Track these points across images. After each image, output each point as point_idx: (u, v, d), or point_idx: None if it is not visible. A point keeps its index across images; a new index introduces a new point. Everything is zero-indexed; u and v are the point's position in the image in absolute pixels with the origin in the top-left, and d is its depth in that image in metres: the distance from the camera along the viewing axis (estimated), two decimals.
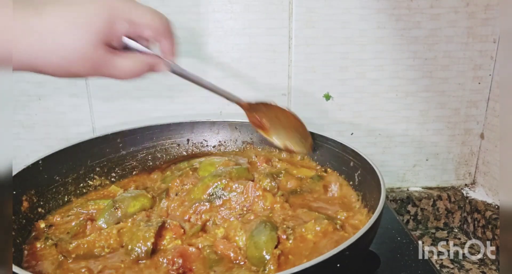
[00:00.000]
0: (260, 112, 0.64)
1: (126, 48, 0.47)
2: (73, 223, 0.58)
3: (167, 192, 0.64)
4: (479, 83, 0.89)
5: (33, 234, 0.56)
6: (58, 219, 0.59)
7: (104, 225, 0.56)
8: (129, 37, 0.46)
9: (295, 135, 0.66)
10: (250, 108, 0.62)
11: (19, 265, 0.48)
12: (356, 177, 0.64)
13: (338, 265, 0.40)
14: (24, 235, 0.54)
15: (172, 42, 0.50)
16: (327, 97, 0.88)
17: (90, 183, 0.69)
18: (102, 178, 0.71)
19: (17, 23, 0.38)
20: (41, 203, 0.60)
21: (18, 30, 0.39)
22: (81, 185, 0.67)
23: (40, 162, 0.60)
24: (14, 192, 0.54)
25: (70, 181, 0.66)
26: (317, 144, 0.73)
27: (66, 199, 0.64)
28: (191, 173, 0.67)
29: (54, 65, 0.41)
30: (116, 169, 0.73)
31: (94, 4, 0.42)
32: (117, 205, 0.59)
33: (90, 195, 0.68)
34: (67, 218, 0.60)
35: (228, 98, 0.59)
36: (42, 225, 0.57)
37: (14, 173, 0.55)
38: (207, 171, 0.67)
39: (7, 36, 0.38)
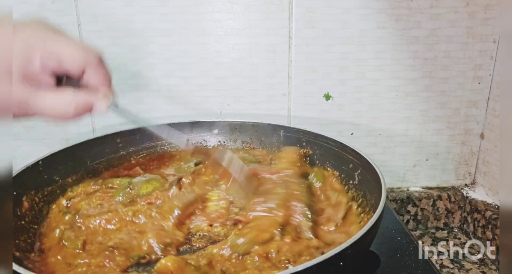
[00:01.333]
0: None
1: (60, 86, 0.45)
2: (94, 199, 0.61)
3: (179, 181, 0.65)
4: (479, 83, 0.89)
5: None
6: (77, 199, 0.62)
7: (119, 200, 0.61)
8: (56, 71, 0.44)
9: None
10: (195, 153, 0.64)
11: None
12: (356, 176, 0.64)
13: (341, 263, 0.40)
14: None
15: (102, 73, 0.47)
16: (327, 97, 0.88)
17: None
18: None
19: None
20: (42, 203, 0.60)
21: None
22: (81, 185, 0.67)
23: (40, 163, 0.60)
24: (15, 193, 0.54)
25: (70, 181, 0.65)
26: (317, 144, 0.73)
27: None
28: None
29: None
30: (115, 169, 0.73)
31: (9, 42, 0.40)
32: (131, 186, 0.63)
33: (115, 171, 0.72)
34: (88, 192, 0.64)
35: (171, 140, 0.58)
36: (63, 201, 0.61)
37: (14, 173, 0.55)
38: None
39: None
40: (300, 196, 0.58)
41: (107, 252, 0.50)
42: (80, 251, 0.51)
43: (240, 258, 0.48)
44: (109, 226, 0.55)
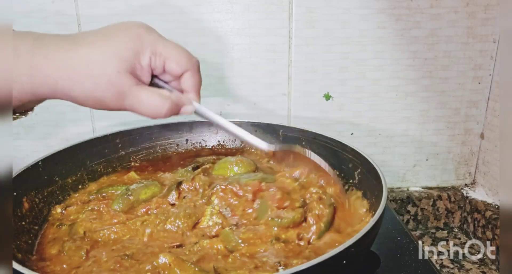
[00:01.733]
0: (285, 161, 0.62)
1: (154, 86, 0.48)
2: (89, 208, 0.59)
3: (178, 186, 0.64)
4: (479, 83, 0.89)
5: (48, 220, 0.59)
6: (73, 208, 0.61)
7: (117, 208, 0.59)
8: (155, 71, 0.48)
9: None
10: (274, 156, 0.61)
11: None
12: (356, 175, 0.64)
13: (344, 262, 0.40)
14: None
15: (196, 79, 0.50)
16: (327, 97, 0.88)
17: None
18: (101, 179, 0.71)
19: (57, 56, 0.42)
20: (42, 203, 0.60)
21: (57, 64, 0.42)
22: (80, 186, 0.67)
23: (39, 163, 0.60)
24: (15, 194, 0.54)
25: (70, 182, 0.65)
26: (317, 143, 0.73)
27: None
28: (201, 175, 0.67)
29: (85, 90, 0.44)
30: (114, 169, 0.73)
31: (125, 35, 0.45)
32: (129, 192, 0.61)
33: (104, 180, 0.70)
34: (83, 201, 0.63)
35: (250, 144, 0.58)
36: (58, 209, 0.60)
37: (14, 174, 0.55)
38: (222, 169, 0.68)
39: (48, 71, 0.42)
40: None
41: (120, 258, 0.49)
42: (84, 258, 0.50)
43: (230, 254, 0.48)
44: (115, 236, 0.54)
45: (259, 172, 0.68)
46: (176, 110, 0.49)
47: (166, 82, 0.50)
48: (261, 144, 0.58)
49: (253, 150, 0.78)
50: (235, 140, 0.82)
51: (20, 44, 0.42)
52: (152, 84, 0.49)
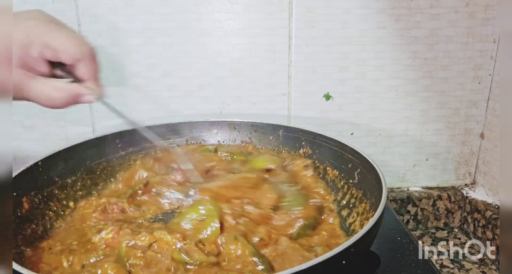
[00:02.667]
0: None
1: (54, 76, 0.49)
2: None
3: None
4: (479, 83, 0.89)
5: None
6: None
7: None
8: (50, 62, 0.48)
9: None
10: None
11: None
12: (356, 175, 0.64)
13: (344, 262, 0.40)
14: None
15: (92, 67, 0.50)
16: (327, 97, 0.88)
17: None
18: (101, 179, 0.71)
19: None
20: (43, 204, 0.60)
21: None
22: (79, 187, 0.67)
23: (39, 163, 0.60)
24: (14, 194, 0.54)
25: (70, 182, 0.65)
26: (317, 143, 0.73)
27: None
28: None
29: None
30: (114, 169, 0.73)
31: (15, 30, 0.44)
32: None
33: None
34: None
35: (148, 138, 0.61)
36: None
37: (14, 174, 0.55)
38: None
39: None
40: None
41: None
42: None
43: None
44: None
45: None
46: (74, 101, 0.50)
47: (68, 71, 0.50)
48: (159, 144, 0.65)
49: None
50: (234, 140, 0.82)
51: None
52: (54, 74, 0.49)
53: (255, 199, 0.60)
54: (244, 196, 0.60)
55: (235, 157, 0.75)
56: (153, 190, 0.65)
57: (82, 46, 0.48)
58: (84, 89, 0.50)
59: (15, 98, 0.47)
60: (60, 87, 0.48)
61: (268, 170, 0.70)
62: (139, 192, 0.65)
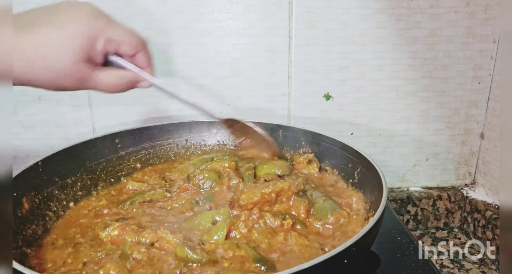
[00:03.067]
0: (235, 128, 0.72)
1: (109, 65, 0.52)
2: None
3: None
4: (479, 83, 0.89)
5: None
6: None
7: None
8: (109, 53, 0.51)
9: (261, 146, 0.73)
10: (226, 123, 0.72)
11: None
12: (356, 174, 0.64)
13: (345, 261, 0.41)
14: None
15: (148, 56, 0.55)
16: (327, 97, 0.88)
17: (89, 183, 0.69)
18: (101, 179, 0.71)
19: (9, 45, 0.43)
20: (43, 204, 0.60)
21: (6, 49, 0.43)
22: (79, 187, 0.67)
23: (39, 163, 0.60)
24: (14, 194, 0.54)
25: (69, 182, 0.65)
26: (317, 143, 0.73)
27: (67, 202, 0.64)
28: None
29: (44, 79, 0.46)
30: (114, 169, 0.73)
31: (76, 24, 0.46)
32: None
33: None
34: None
35: (203, 112, 0.64)
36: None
37: (14, 174, 0.55)
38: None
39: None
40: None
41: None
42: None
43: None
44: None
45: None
46: (132, 86, 0.54)
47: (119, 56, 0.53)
48: (212, 113, 0.65)
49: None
50: (234, 139, 0.82)
51: None
52: (106, 61, 0.52)
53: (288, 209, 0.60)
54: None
55: (240, 164, 0.72)
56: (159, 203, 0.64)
57: (140, 38, 0.53)
58: (142, 76, 0.54)
59: (73, 89, 0.49)
60: (123, 75, 0.52)
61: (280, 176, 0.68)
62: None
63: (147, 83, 0.55)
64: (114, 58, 0.52)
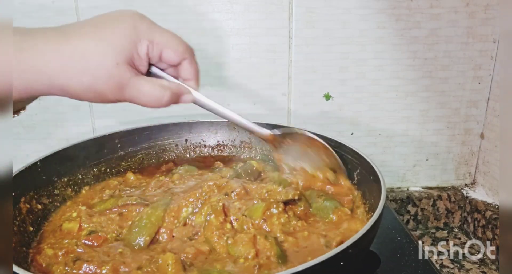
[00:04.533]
0: (285, 144, 0.62)
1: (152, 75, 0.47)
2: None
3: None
4: (479, 83, 0.89)
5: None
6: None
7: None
8: (152, 60, 0.47)
9: (323, 164, 0.63)
10: (275, 140, 0.62)
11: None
12: (355, 175, 0.64)
13: (342, 263, 0.40)
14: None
15: (194, 67, 0.50)
16: (327, 97, 0.88)
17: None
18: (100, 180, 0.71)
19: (47, 49, 0.40)
20: (40, 204, 0.60)
21: (48, 57, 0.40)
22: (78, 187, 0.67)
23: (38, 163, 0.60)
24: (13, 194, 0.54)
25: (68, 182, 0.65)
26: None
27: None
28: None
29: (83, 84, 0.42)
30: (114, 170, 0.73)
31: (119, 25, 0.44)
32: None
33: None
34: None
35: (251, 132, 0.58)
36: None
37: (13, 174, 0.55)
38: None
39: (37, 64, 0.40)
40: None
41: None
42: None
43: None
44: None
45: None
46: (176, 100, 0.48)
47: (162, 70, 0.49)
48: (263, 130, 0.58)
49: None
50: (234, 140, 0.82)
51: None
52: (149, 73, 0.48)
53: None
54: None
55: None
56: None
57: (188, 46, 0.48)
58: (187, 88, 0.49)
59: (114, 100, 0.45)
60: (167, 86, 0.47)
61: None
62: None
63: (190, 98, 0.50)
64: (156, 70, 0.48)
